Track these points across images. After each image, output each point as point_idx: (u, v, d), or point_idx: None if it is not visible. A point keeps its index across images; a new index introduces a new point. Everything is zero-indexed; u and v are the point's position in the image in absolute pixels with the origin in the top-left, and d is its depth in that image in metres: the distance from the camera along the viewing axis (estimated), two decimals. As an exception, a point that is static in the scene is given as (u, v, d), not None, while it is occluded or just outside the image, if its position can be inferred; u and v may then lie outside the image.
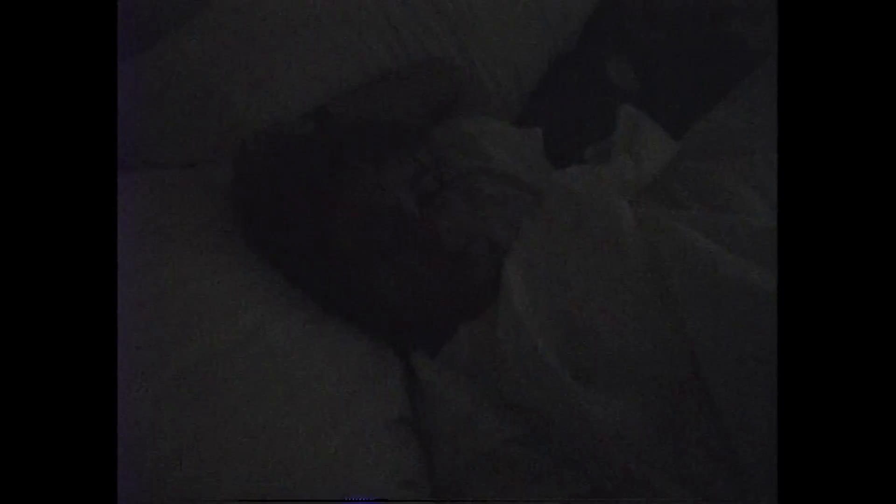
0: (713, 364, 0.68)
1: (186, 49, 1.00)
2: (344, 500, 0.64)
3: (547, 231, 0.85)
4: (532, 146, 1.01)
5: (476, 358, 0.79)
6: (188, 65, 0.99)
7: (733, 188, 0.85)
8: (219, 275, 0.77)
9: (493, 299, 0.82)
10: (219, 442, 0.66)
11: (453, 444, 0.75)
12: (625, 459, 0.68)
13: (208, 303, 0.74)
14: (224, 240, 0.83)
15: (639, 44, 1.10)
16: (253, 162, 0.86)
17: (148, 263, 0.75)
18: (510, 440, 0.73)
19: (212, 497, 0.62)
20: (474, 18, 1.09)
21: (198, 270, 0.77)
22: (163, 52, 1.00)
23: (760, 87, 1.01)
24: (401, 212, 0.80)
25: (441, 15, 1.07)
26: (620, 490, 0.69)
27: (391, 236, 0.80)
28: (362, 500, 0.65)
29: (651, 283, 0.75)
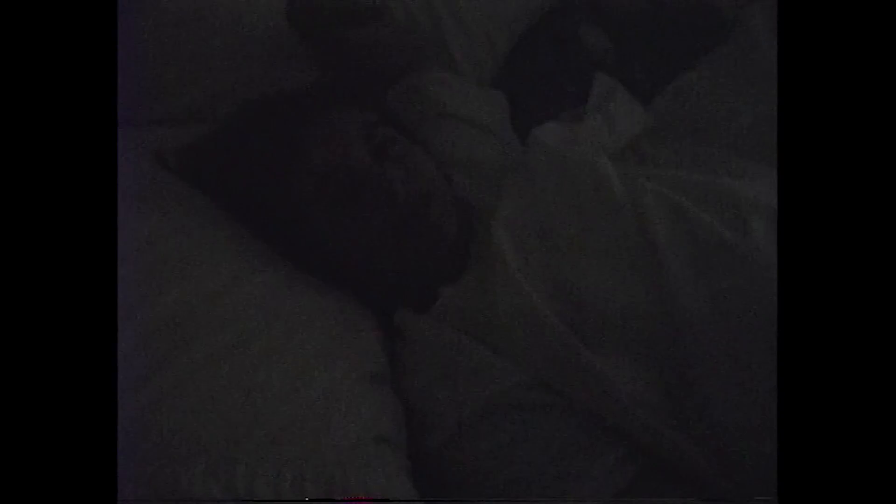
0: (699, 326, 0.70)
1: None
2: (343, 500, 0.64)
3: (531, 190, 0.84)
4: (496, 108, 1.00)
5: (462, 320, 0.78)
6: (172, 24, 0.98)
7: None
8: (195, 230, 0.77)
9: (466, 260, 0.82)
10: (195, 395, 0.66)
11: (442, 402, 0.75)
12: (645, 418, 0.69)
13: (184, 258, 0.74)
14: (198, 198, 0.82)
15: (612, 10, 1.10)
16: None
17: (125, 221, 0.74)
18: (508, 389, 0.73)
19: (212, 497, 0.62)
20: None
21: (173, 227, 0.76)
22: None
23: (731, 56, 1.02)
24: (352, 162, 0.79)
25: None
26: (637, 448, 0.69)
27: (345, 188, 0.79)
28: (362, 500, 0.65)
29: (640, 243, 0.76)
